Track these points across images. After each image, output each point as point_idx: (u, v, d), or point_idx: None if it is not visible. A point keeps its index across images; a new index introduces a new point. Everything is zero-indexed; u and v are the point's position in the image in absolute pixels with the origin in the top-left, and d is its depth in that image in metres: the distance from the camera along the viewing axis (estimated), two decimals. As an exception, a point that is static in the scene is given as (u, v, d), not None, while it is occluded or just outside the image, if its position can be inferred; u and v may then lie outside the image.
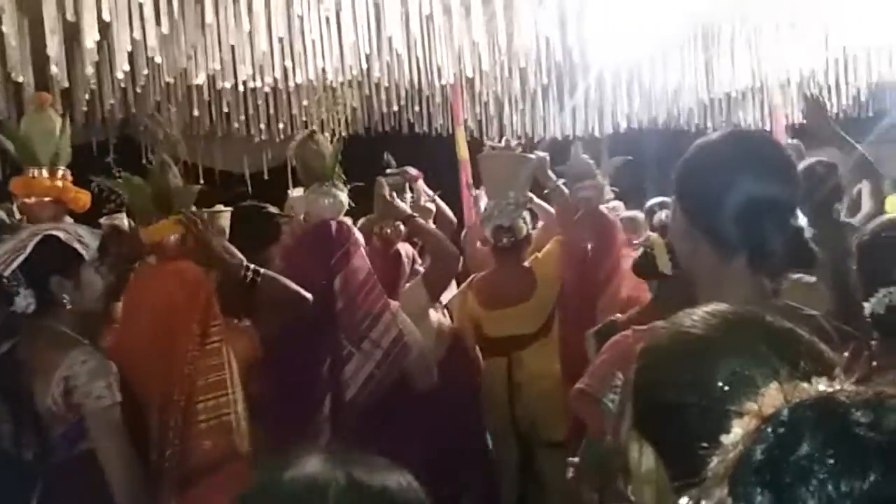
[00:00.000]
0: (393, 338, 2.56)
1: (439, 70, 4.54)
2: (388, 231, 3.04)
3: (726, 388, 0.80)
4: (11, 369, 1.98)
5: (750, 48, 5.14)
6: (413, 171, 3.68)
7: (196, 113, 5.17)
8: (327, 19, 3.94)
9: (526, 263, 3.47)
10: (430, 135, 6.15)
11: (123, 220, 3.00)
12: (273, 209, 4.12)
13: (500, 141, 4.46)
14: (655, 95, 5.82)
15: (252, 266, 2.41)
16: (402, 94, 5.55)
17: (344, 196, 2.74)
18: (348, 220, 2.74)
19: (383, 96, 5.38)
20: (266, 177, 6.08)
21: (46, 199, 2.42)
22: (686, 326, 0.91)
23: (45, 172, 2.43)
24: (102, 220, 3.06)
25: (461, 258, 2.95)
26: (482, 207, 4.06)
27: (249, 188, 5.78)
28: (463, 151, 5.34)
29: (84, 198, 2.55)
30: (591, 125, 6.12)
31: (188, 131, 5.41)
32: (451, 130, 5.74)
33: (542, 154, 3.58)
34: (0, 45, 3.49)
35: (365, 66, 4.39)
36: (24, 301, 1.98)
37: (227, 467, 2.17)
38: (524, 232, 3.41)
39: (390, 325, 2.57)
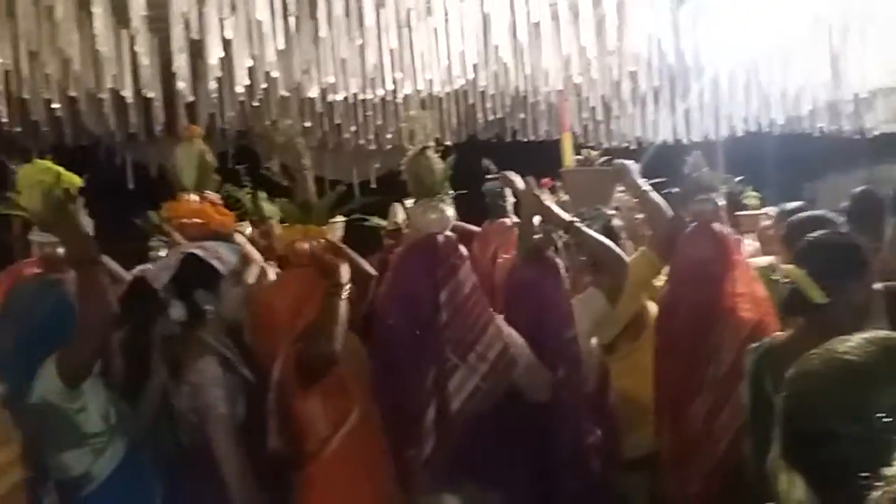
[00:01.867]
0: (499, 351, 2.52)
1: (546, 76, 4.50)
2: (538, 238, 2.97)
3: (887, 418, 0.76)
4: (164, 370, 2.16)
5: (881, 47, 4.80)
6: (514, 175, 3.61)
7: (308, 124, 5.35)
8: (436, 31, 3.99)
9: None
10: (535, 142, 6.10)
11: (247, 230, 3.14)
12: (377, 221, 4.21)
13: (604, 147, 4.37)
14: (774, 98, 5.53)
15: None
16: (507, 101, 5.54)
17: (451, 210, 2.75)
18: (453, 234, 2.73)
19: (488, 104, 5.38)
20: (374, 185, 6.21)
21: (196, 220, 2.64)
22: (841, 352, 0.86)
23: (193, 196, 2.66)
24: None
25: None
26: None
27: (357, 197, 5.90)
28: (569, 159, 5.27)
29: (227, 220, 2.75)
30: (706, 129, 5.89)
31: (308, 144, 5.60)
32: (555, 137, 5.68)
33: (622, 162, 3.43)
34: (133, 64, 3.74)
35: (471, 76, 4.41)
36: (177, 311, 2.19)
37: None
38: None
39: (496, 337, 2.53)
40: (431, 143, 2.71)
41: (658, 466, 2.91)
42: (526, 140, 6.19)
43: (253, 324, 2.49)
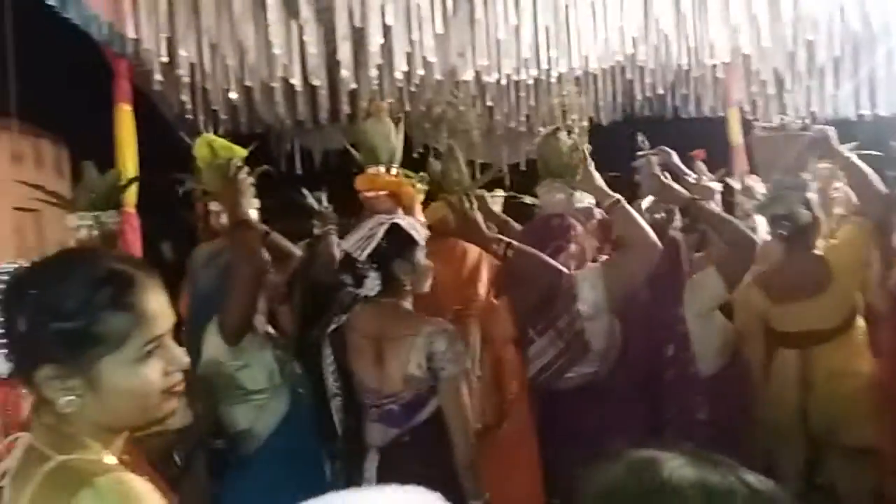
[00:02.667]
0: (574, 333, 2.53)
1: (711, 48, 4.24)
2: (660, 217, 2.90)
3: None
4: (340, 344, 2.24)
5: None
6: (668, 150, 3.45)
7: (461, 108, 5.40)
8: (593, 5, 3.88)
9: (818, 251, 3.07)
10: (698, 119, 5.79)
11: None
12: (527, 199, 4.19)
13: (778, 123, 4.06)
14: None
15: (506, 240, 2.53)
16: (669, 76, 5.29)
17: (578, 194, 2.77)
18: (570, 218, 2.71)
19: (647, 80, 5.16)
20: (524, 168, 6.18)
21: (383, 193, 2.74)
22: None
23: (382, 170, 2.76)
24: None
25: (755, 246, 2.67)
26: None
27: (508, 179, 5.92)
28: (736, 136, 4.95)
29: (412, 192, 2.85)
30: (893, 103, 5.31)
31: (454, 126, 5.69)
32: (720, 114, 5.35)
33: (822, 128, 3.15)
34: (301, 54, 3.95)
35: (630, 51, 4.24)
36: (372, 283, 2.19)
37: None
38: (805, 219, 2.98)
39: (575, 320, 2.55)
40: (585, 123, 2.71)
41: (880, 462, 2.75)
42: (688, 117, 5.89)
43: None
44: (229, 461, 2.30)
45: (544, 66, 4.13)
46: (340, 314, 2.30)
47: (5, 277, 0.94)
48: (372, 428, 2.24)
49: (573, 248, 2.64)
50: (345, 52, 3.66)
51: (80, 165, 2.85)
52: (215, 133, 5.18)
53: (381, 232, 2.20)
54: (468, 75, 4.36)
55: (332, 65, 3.98)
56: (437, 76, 4.49)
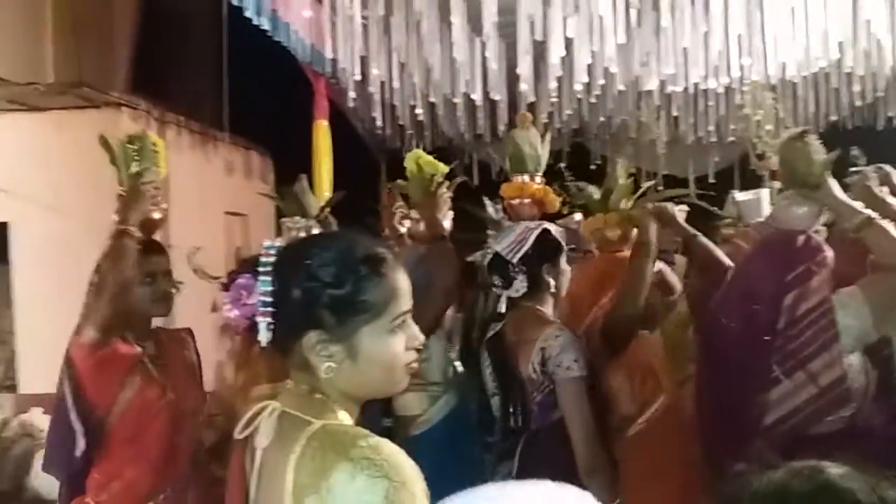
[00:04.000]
0: (833, 378, 2.19)
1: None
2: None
3: None
4: (500, 347, 2.33)
5: None
6: (890, 169, 3.09)
7: (643, 119, 5.25)
8: (793, 9, 3.62)
9: None
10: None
11: (574, 220, 3.24)
12: (715, 210, 3.98)
13: None
14: None
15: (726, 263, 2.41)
16: (880, 83, 4.80)
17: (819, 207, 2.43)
18: (819, 237, 2.40)
19: (856, 87, 4.71)
20: (712, 180, 5.87)
21: (527, 200, 2.80)
22: None
23: (527, 178, 2.83)
24: (559, 222, 3.35)
25: None
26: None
27: (693, 192, 5.66)
28: (962, 148, 4.38)
29: (556, 201, 2.88)
30: None
31: (636, 138, 5.55)
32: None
33: None
34: (482, 69, 4.05)
35: (835, 57, 3.91)
36: (520, 284, 2.27)
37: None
38: None
39: (834, 363, 2.20)
40: (783, 134, 2.47)
41: None
42: (902, 127, 5.31)
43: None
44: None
45: (735, 73, 3.93)
46: (496, 321, 2.36)
47: (271, 254, 1.03)
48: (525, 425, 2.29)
49: (824, 273, 2.30)
50: (525, 66, 3.70)
51: (288, 176, 3.12)
52: (402, 147, 5.47)
53: (532, 237, 2.27)
54: (652, 85, 4.24)
55: (512, 79, 4.04)
56: (620, 87, 4.42)
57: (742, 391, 2.31)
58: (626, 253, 2.56)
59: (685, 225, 2.62)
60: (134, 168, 2.07)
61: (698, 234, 2.60)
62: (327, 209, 2.82)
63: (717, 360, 2.39)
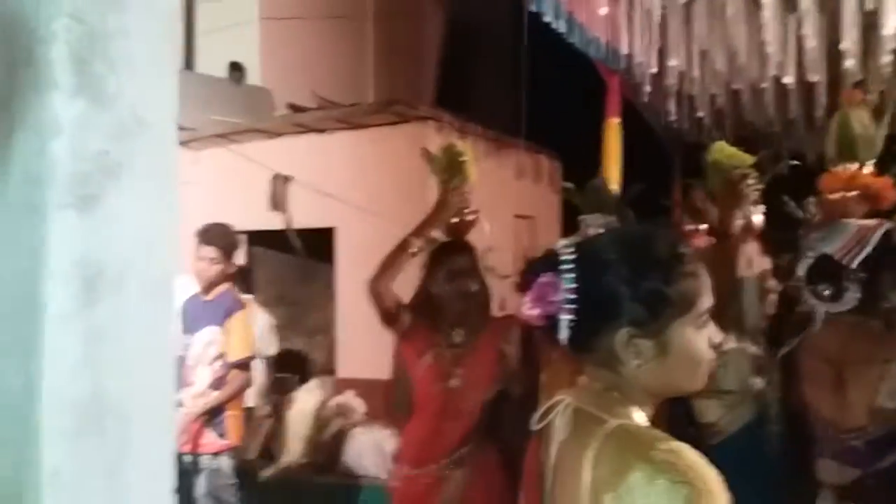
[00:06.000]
0: None
1: None
2: None
3: None
4: (792, 368, 2.04)
5: None
6: None
7: None
8: None
9: None
10: None
11: None
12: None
13: None
14: None
15: None
16: None
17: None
18: None
19: None
20: None
21: (853, 194, 2.40)
22: None
23: (854, 167, 2.43)
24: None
25: None
26: None
27: None
28: None
29: (892, 195, 2.43)
30: None
31: None
32: None
33: None
34: (797, 49, 3.64)
35: None
36: (852, 296, 1.90)
37: None
38: None
39: None
40: None
41: None
42: None
43: None
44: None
45: None
46: (795, 335, 2.03)
47: (571, 252, 1.01)
48: (825, 464, 1.91)
49: None
50: (850, 39, 3.24)
51: (577, 178, 3.11)
52: (699, 141, 5.15)
53: (874, 238, 1.90)
54: None
55: (834, 57, 3.57)
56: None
57: None
58: None
59: None
60: (444, 176, 2.22)
61: None
62: (625, 204, 2.74)
63: None
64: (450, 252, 2.20)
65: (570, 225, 3.64)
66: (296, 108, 5.33)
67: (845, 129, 2.48)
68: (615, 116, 4.10)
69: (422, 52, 5.81)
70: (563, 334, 1.00)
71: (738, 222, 2.26)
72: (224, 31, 5.85)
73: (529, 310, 1.03)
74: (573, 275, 1.00)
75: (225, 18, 5.87)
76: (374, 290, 2.15)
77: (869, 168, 2.43)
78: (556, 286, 1.01)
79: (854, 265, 1.88)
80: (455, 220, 2.25)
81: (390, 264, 2.16)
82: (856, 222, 2.02)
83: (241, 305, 3.08)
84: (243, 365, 3.02)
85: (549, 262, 1.02)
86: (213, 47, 5.82)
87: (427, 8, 6.50)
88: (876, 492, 1.84)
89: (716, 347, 1.05)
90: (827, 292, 1.93)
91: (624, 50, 3.65)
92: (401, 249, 2.18)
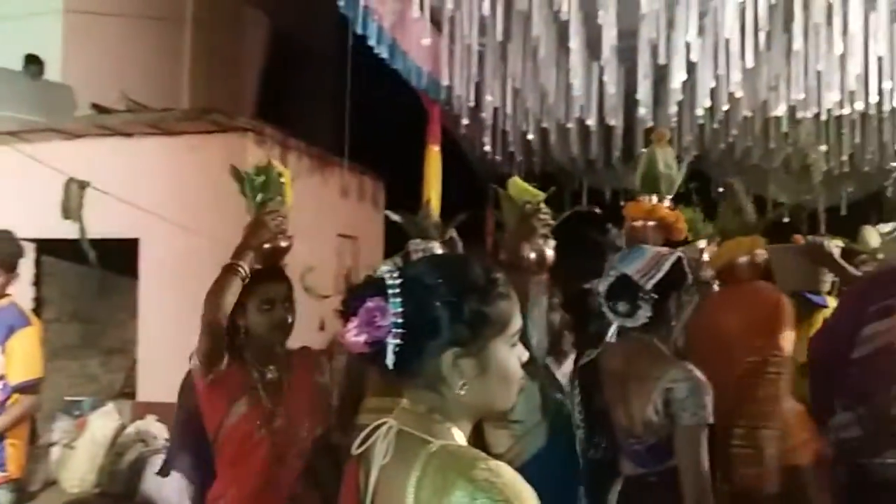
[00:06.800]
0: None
1: None
2: None
3: None
4: (591, 377, 2.18)
5: None
6: None
7: (772, 146, 4.99)
8: (944, 27, 3.34)
9: None
10: None
11: (697, 248, 3.05)
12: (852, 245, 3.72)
13: None
14: None
15: None
16: None
17: None
18: None
19: None
20: (844, 212, 5.50)
21: (652, 223, 2.62)
22: None
23: (655, 200, 2.67)
24: (681, 250, 3.21)
25: None
26: None
27: (823, 224, 5.35)
28: None
29: (685, 228, 2.70)
30: None
31: (759, 165, 5.29)
32: None
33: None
34: (599, 94, 3.97)
35: None
36: (644, 314, 2.06)
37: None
38: None
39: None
40: None
41: None
42: None
43: (696, 337, 2.44)
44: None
45: (874, 99, 3.66)
46: (592, 348, 2.21)
47: (396, 276, 1.02)
48: (624, 460, 2.12)
49: None
50: (645, 90, 3.60)
51: (399, 200, 3.12)
52: (510, 173, 5.44)
53: (668, 264, 2.07)
54: (780, 111, 4.02)
55: (630, 104, 3.94)
56: (745, 112, 4.22)
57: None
58: (762, 285, 2.44)
59: (844, 264, 2.44)
60: (259, 198, 2.12)
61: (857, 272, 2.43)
62: (451, 231, 2.79)
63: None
64: (262, 280, 2.01)
65: (393, 246, 3.67)
66: (101, 109, 4.95)
67: (651, 165, 2.75)
68: (435, 144, 4.23)
69: (243, 62, 5.63)
70: (390, 359, 1.00)
71: (531, 255, 2.37)
72: (22, 20, 5.32)
73: (355, 336, 1.02)
74: (400, 299, 1.01)
75: (23, 6, 5.34)
76: (212, 322, 1.90)
77: (667, 202, 2.71)
78: (384, 311, 1.01)
79: (649, 286, 2.06)
80: (268, 245, 2.11)
81: (222, 291, 1.91)
82: (653, 248, 2.23)
83: (26, 321, 2.77)
84: (28, 388, 2.71)
85: (374, 287, 1.03)
86: (7, 36, 5.26)
87: (250, 17, 6.33)
88: (652, 488, 2.02)
89: (524, 365, 1.11)
90: (623, 308, 2.11)
91: (444, 81, 3.78)
92: (230, 273, 1.98)
